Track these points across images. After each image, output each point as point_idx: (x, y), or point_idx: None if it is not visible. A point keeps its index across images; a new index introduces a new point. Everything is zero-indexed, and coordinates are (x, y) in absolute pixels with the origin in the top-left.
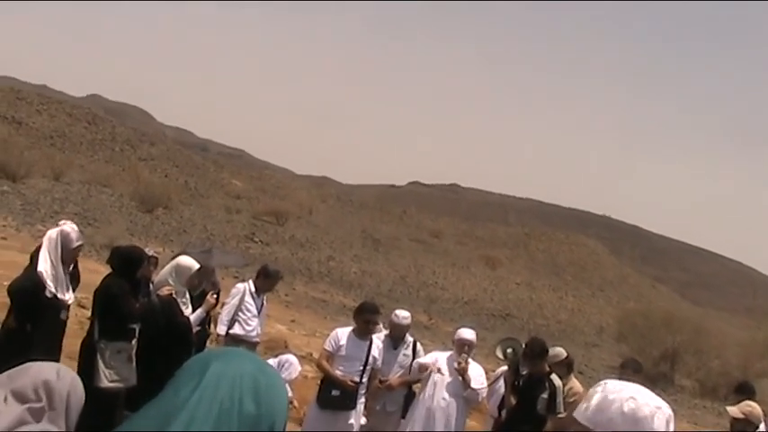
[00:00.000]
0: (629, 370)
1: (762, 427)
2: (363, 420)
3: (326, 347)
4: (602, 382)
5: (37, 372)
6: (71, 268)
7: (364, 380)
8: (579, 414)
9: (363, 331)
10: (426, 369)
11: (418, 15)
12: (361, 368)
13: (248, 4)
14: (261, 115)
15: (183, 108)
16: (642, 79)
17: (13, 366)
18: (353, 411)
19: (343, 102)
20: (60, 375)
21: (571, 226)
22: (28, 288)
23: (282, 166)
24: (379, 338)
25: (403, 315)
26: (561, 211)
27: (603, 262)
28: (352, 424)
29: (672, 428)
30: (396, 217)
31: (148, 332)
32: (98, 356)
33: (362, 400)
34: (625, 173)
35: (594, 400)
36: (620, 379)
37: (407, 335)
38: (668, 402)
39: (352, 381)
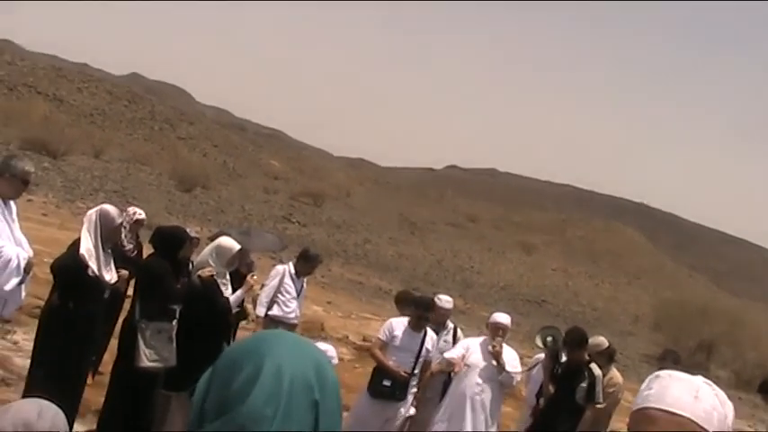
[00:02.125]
0: (669, 361)
1: None
2: (412, 411)
3: (381, 337)
4: (651, 376)
5: (16, 411)
6: (131, 246)
7: (416, 371)
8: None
9: (417, 325)
10: (454, 366)
11: None
12: (414, 360)
13: None
14: (299, 96)
15: (221, 88)
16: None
17: (58, 344)
18: (403, 402)
19: (381, 84)
20: (41, 414)
21: (608, 213)
22: (70, 266)
23: (320, 148)
24: (431, 330)
25: (446, 299)
26: (598, 197)
27: (640, 250)
28: (401, 413)
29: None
30: (432, 200)
31: (189, 313)
32: (139, 336)
33: (413, 390)
34: (663, 160)
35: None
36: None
37: (448, 320)
38: None
39: (404, 372)
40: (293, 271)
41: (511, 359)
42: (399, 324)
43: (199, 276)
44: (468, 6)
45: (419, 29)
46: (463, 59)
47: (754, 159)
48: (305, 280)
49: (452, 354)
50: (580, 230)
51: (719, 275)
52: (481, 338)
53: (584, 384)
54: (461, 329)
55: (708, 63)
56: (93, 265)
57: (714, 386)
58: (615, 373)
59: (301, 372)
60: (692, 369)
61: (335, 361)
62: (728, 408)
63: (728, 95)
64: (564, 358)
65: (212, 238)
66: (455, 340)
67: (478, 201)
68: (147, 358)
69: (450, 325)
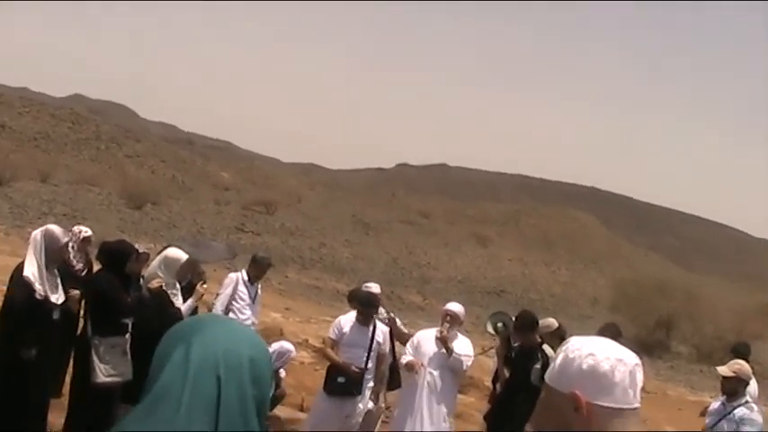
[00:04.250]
0: (608, 335)
1: (752, 383)
2: (371, 405)
3: (331, 336)
4: (566, 341)
5: None
6: (80, 266)
7: (370, 365)
8: (547, 376)
9: (365, 319)
10: (414, 368)
11: None
12: (366, 354)
13: None
14: (245, 106)
15: (166, 103)
16: (625, 49)
17: (13, 373)
18: (360, 397)
19: (326, 88)
20: None
21: (561, 200)
22: (15, 293)
23: (269, 156)
24: (382, 323)
25: (373, 285)
26: (550, 185)
27: (595, 234)
28: (359, 409)
29: (639, 379)
30: (385, 200)
31: (141, 325)
32: (92, 352)
33: (369, 385)
34: (612, 143)
35: (558, 361)
36: None
37: (380, 307)
38: (664, 368)
39: (356, 367)
40: (246, 277)
41: (463, 345)
42: (348, 321)
43: (148, 289)
44: (411, 5)
45: (363, 31)
46: (403, 58)
47: (704, 136)
48: (259, 285)
49: (407, 357)
50: (534, 219)
51: (675, 253)
52: (433, 329)
53: (538, 366)
54: (419, 326)
55: (652, 39)
56: (38, 287)
57: (607, 350)
58: None
59: (213, 351)
60: (652, 346)
61: (293, 354)
62: (619, 370)
63: (672, 70)
64: (516, 342)
65: (145, 252)
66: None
67: (431, 197)
68: (102, 374)
69: (383, 310)
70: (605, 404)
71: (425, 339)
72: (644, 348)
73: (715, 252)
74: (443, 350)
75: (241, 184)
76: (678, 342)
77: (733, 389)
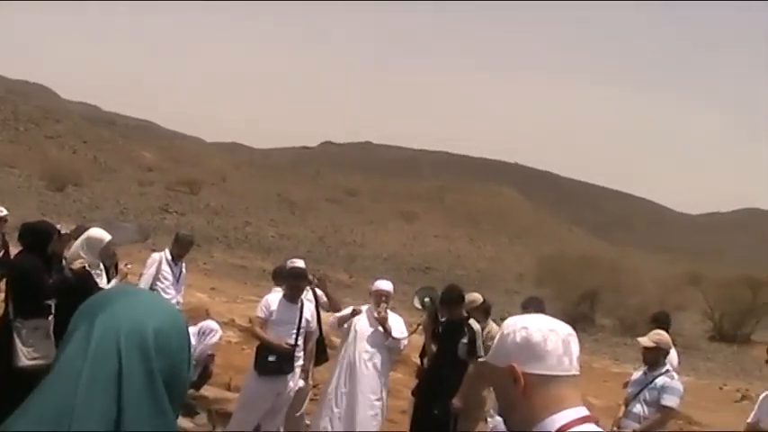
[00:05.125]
0: (531, 309)
1: (672, 353)
2: (301, 383)
3: (259, 314)
4: (503, 323)
5: None
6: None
7: (299, 342)
8: (488, 356)
9: (292, 296)
10: (345, 321)
11: None
12: (295, 331)
13: None
14: (167, 85)
15: (87, 83)
16: (543, 21)
17: None
18: (291, 374)
19: (248, 66)
20: None
21: (485, 176)
22: None
23: (193, 135)
24: (308, 299)
25: (297, 261)
26: (474, 161)
27: (519, 209)
28: (290, 387)
29: (574, 348)
30: (310, 178)
31: (64, 307)
32: (15, 336)
33: (299, 362)
34: (535, 119)
35: (496, 340)
36: None
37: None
38: (589, 341)
39: (286, 344)
40: (170, 257)
41: (397, 325)
42: (275, 299)
43: (71, 269)
44: None
45: (286, 9)
46: (330, 37)
47: (626, 114)
48: (183, 265)
49: (341, 312)
50: (458, 195)
51: (598, 228)
52: (365, 307)
53: (464, 340)
54: (347, 303)
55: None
56: None
57: (539, 322)
58: (493, 327)
59: (115, 324)
60: (577, 320)
61: (219, 333)
62: (551, 340)
63: (586, 41)
64: (443, 317)
65: (74, 234)
66: (315, 297)
67: (356, 174)
68: (25, 357)
69: (311, 277)
70: (540, 372)
71: (361, 317)
72: (569, 322)
73: (636, 226)
74: (380, 329)
75: (164, 163)
76: (602, 315)
77: (654, 359)
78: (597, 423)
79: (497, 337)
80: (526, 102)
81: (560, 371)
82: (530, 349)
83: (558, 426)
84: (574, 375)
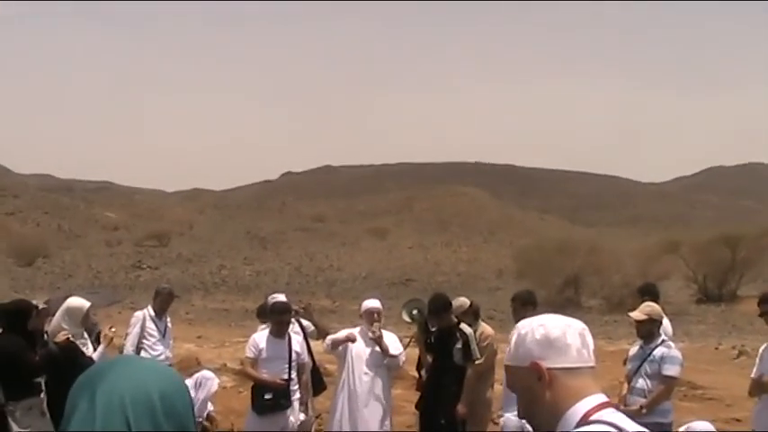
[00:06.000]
0: (518, 303)
1: (665, 322)
2: (302, 416)
3: (248, 354)
4: (516, 326)
5: None
6: None
7: (293, 376)
8: (506, 359)
9: (278, 331)
10: (340, 343)
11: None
12: (287, 366)
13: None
14: (120, 142)
15: (38, 154)
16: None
17: None
18: (290, 409)
19: (196, 110)
20: None
21: (448, 179)
22: None
23: (152, 188)
24: (295, 332)
25: (278, 296)
26: (436, 167)
27: (486, 207)
28: (292, 421)
29: (589, 340)
30: (276, 211)
31: (54, 381)
32: (9, 419)
33: (296, 396)
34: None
35: (512, 341)
36: (518, 317)
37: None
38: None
39: (281, 380)
40: (152, 313)
41: (392, 342)
42: (262, 337)
43: (55, 343)
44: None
45: (223, 50)
46: (267, 67)
47: (577, 92)
48: (168, 318)
49: (336, 335)
50: (425, 203)
51: (569, 212)
52: (357, 328)
53: (458, 345)
54: (333, 329)
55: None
56: None
57: (554, 319)
58: (485, 327)
59: (118, 393)
60: (564, 305)
61: (216, 381)
62: (570, 333)
63: (527, 29)
64: (433, 326)
65: (51, 307)
66: (302, 328)
67: (321, 200)
68: None
69: (295, 307)
70: (563, 365)
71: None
72: (556, 308)
73: (606, 204)
74: (377, 349)
75: (129, 221)
76: (587, 297)
77: (648, 331)
78: (617, 408)
79: (513, 339)
80: (477, 99)
81: (581, 363)
82: (551, 344)
83: (581, 413)
84: (592, 367)
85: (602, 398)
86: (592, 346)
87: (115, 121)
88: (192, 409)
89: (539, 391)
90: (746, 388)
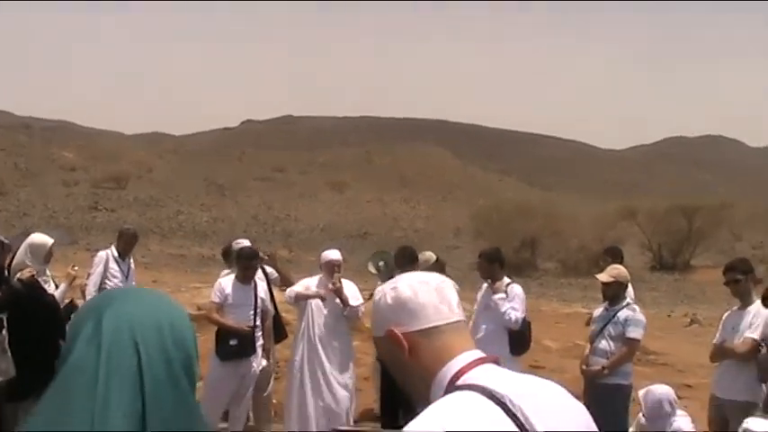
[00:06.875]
0: (485, 260)
1: (629, 286)
2: (264, 363)
3: (214, 300)
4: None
5: None
6: None
7: (258, 322)
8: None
9: (245, 276)
10: (305, 299)
11: None
12: (253, 312)
13: None
14: (79, 82)
15: None
16: None
17: None
18: (254, 356)
19: (158, 53)
20: None
21: (410, 136)
22: None
23: (111, 130)
24: (260, 278)
25: (242, 241)
26: (398, 122)
27: (447, 165)
28: (254, 368)
29: (450, 294)
30: (235, 159)
31: (17, 318)
32: None
33: (260, 342)
34: (456, 74)
35: (372, 311)
36: (486, 274)
37: None
38: (534, 286)
39: (247, 326)
40: (116, 254)
41: (352, 292)
42: (228, 282)
43: (19, 280)
44: None
45: None
46: (237, 15)
47: (542, 56)
48: (131, 260)
49: (296, 288)
50: (386, 158)
51: (528, 174)
52: (316, 278)
53: None
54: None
55: None
56: None
57: (412, 278)
58: None
59: (127, 320)
60: (520, 267)
61: None
62: (424, 291)
63: None
64: None
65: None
66: (266, 275)
67: (281, 150)
68: None
69: (261, 253)
70: (420, 327)
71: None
72: (512, 269)
73: (565, 168)
74: (337, 301)
75: (87, 162)
76: (544, 259)
77: (614, 293)
78: (497, 362)
79: (372, 307)
80: (443, 57)
81: (440, 320)
82: (403, 307)
83: (451, 374)
84: (457, 322)
85: (473, 354)
86: (455, 300)
87: (75, 60)
88: (197, 347)
89: (403, 360)
90: (698, 355)
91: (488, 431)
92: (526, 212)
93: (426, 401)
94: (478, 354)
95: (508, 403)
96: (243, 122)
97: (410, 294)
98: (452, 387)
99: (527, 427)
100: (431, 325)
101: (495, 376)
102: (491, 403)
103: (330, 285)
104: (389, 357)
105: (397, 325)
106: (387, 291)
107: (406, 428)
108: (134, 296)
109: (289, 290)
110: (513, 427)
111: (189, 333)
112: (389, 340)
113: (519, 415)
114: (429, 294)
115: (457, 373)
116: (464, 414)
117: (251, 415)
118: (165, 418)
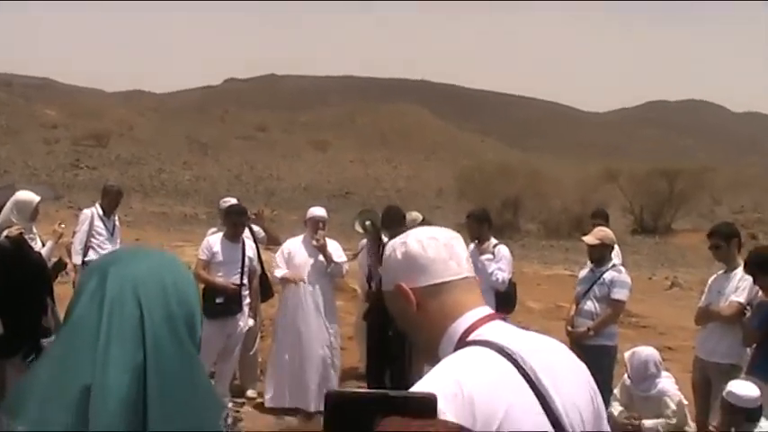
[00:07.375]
0: (474, 220)
1: (615, 247)
2: (251, 321)
3: (201, 257)
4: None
5: None
6: None
7: (245, 281)
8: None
9: (234, 234)
10: (292, 281)
11: None
12: (240, 270)
13: None
14: (61, 40)
15: None
16: None
17: None
18: (240, 314)
19: (140, 11)
20: None
21: (392, 96)
22: None
23: (93, 87)
24: (247, 236)
25: (229, 199)
26: (379, 82)
27: (429, 125)
28: (240, 326)
29: (459, 250)
30: (218, 118)
31: (4, 275)
32: None
33: (247, 301)
34: (438, 34)
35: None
36: (474, 234)
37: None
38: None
39: (234, 284)
40: (101, 211)
41: (335, 249)
42: (216, 239)
43: (7, 237)
44: None
45: None
46: None
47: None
48: (116, 218)
49: (281, 271)
50: (368, 118)
51: (510, 136)
52: (300, 237)
53: None
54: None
55: None
56: None
57: (421, 233)
58: None
59: (131, 277)
60: (502, 228)
61: None
62: (433, 247)
63: None
64: (386, 238)
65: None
66: (252, 233)
67: (263, 109)
68: None
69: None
70: (428, 282)
71: (296, 249)
72: (495, 231)
73: (547, 130)
74: (321, 258)
75: (68, 119)
76: (526, 221)
77: (600, 255)
78: (504, 320)
79: (383, 262)
80: (424, 17)
81: (449, 276)
82: (412, 262)
83: (462, 329)
84: (466, 278)
85: (485, 310)
86: (464, 255)
87: (57, 17)
88: (198, 299)
89: (411, 315)
90: (679, 318)
91: (501, 386)
92: (509, 173)
93: (434, 356)
94: (488, 310)
95: (519, 360)
96: (225, 80)
97: (419, 250)
98: (463, 343)
99: (537, 383)
100: (440, 280)
101: (505, 333)
102: (503, 359)
103: (313, 242)
104: (398, 312)
105: (406, 280)
106: (397, 246)
107: (421, 382)
108: (140, 255)
109: (277, 272)
110: (524, 382)
111: (192, 291)
112: (398, 295)
113: (529, 371)
114: (438, 250)
115: (468, 328)
116: (478, 369)
117: (237, 374)
118: (165, 371)
